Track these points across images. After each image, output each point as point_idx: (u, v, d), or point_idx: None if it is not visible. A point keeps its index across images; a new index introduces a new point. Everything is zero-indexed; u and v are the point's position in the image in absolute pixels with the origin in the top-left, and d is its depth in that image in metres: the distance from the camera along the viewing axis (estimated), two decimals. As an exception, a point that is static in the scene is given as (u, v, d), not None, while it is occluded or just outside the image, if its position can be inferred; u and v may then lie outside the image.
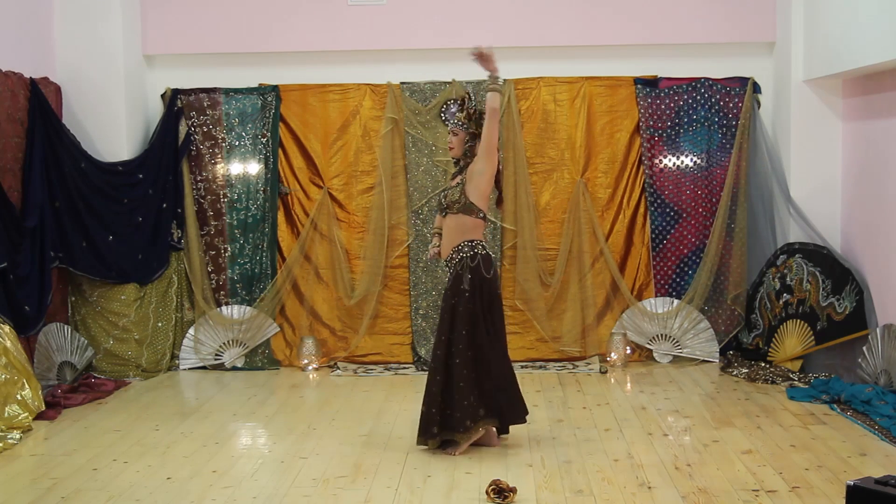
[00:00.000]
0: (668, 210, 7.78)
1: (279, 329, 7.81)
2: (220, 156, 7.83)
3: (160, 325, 7.64)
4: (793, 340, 7.09)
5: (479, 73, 7.69)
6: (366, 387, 7.06)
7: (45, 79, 7.16)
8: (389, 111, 7.74)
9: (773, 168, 7.54)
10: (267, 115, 7.80)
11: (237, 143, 7.82)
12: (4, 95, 6.56)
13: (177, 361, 7.69)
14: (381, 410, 6.31)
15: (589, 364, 7.60)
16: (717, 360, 7.57)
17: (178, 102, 7.76)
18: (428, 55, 7.82)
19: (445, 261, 5.44)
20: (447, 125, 7.27)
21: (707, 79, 7.72)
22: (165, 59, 7.90)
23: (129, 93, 7.58)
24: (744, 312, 7.63)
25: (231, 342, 7.73)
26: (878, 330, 6.43)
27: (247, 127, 7.82)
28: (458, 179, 5.42)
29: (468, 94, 5.46)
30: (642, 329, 7.72)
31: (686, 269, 7.79)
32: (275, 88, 7.81)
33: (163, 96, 7.81)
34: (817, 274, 7.00)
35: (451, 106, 7.72)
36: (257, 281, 7.83)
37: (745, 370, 7.16)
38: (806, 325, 7.01)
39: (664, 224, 7.79)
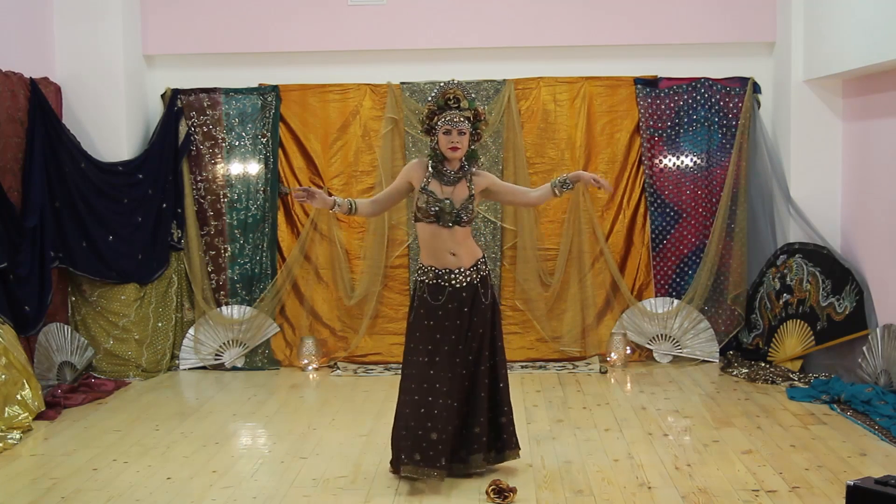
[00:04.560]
0: (668, 210, 7.78)
1: (279, 329, 7.81)
2: (220, 156, 7.83)
3: (160, 325, 7.63)
4: (793, 340, 7.09)
5: (479, 74, 7.81)
6: (366, 387, 7.06)
7: (45, 79, 7.16)
8: (389, 111, 7.73)
9: (773, 168, 7.54)
10: (267, 115, 7.80)
11: (237, 143, 7.82)
12: (4, 95, 6.55)
13: (177, 361, 7.69)
14: (381, 410, 6.31)
15: (589, 364, 7.59)
16: (717, 360, 7.57)
17: (178, 102, 7.76)
18: (428, 55, 7.82)
19: (463, 271, 4.84)
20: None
21: (707, 79, 7.72)
22: (165, 59, 7.90)
23: (129, 93, 7.57)
24: (744, 312, 7.62)
25: (231, 342, 7.72)
26: (878, 330, 6.43)
27: (247, 127, 7.82)
28: (466, 189, 4.85)
29: (462, 92, 4.90)
30: (642, 329, 7.71)
31: (686, 269, 7.78)
32: (275, 88, 7.81)
33: (163, 96, 7.81)
34: (817, 274, 7.00)
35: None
36: (257, 281, 7.82)
37: (745, 370, 7.16)
38: (806, 325, 7.01)
39: (664, 224, 7.79)
